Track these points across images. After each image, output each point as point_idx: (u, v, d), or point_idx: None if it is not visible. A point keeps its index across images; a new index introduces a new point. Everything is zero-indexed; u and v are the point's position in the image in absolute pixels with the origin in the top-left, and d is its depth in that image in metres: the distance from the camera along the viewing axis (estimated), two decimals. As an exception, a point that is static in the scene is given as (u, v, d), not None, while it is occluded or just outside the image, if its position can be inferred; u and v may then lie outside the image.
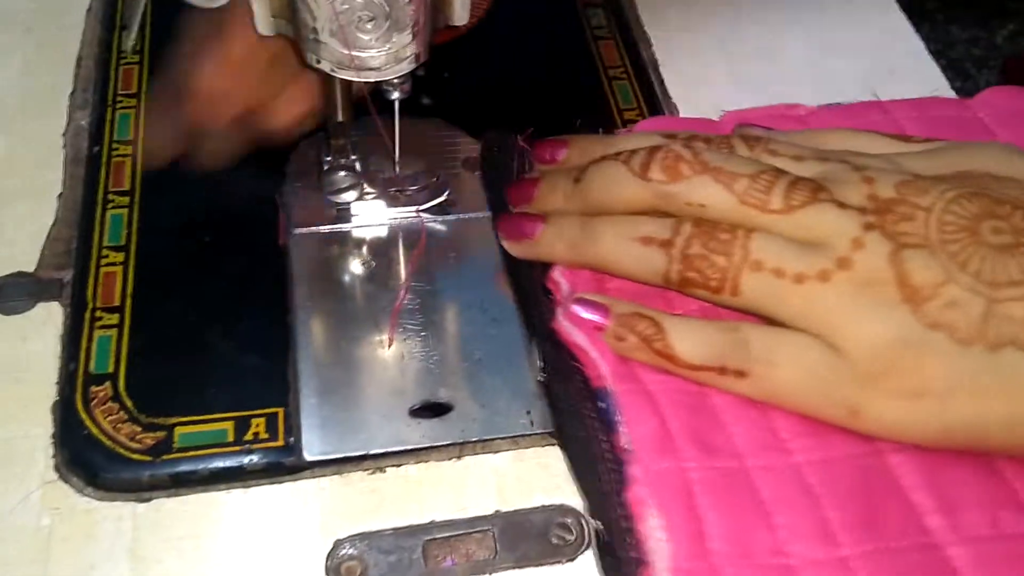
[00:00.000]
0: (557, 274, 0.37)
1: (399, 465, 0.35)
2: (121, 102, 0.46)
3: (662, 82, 0.48)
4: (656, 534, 0.31)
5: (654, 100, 0.47)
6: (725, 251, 0.33)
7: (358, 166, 0.39)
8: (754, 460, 0.33)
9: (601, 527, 0.32)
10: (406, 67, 0.35)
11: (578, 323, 0.35)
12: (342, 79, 0.36)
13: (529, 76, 0.49)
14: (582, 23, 0.51)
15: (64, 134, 0.45)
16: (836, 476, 0.32)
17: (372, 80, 0.35)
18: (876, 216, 0.32)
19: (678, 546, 0.30)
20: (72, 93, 0.47)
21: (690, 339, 0.33)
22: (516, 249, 0.38)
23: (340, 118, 0.38)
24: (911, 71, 0.49)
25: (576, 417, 0.34)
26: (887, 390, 0.31)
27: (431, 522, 0.34)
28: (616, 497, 0.32)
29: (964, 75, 1.43)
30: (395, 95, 0.37)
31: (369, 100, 0.38)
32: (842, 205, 0.33)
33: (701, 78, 0.48)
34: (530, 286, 0.38)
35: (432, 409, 0.36)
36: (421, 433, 0.35)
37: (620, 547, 0.31)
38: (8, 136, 0.45)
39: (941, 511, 0.32)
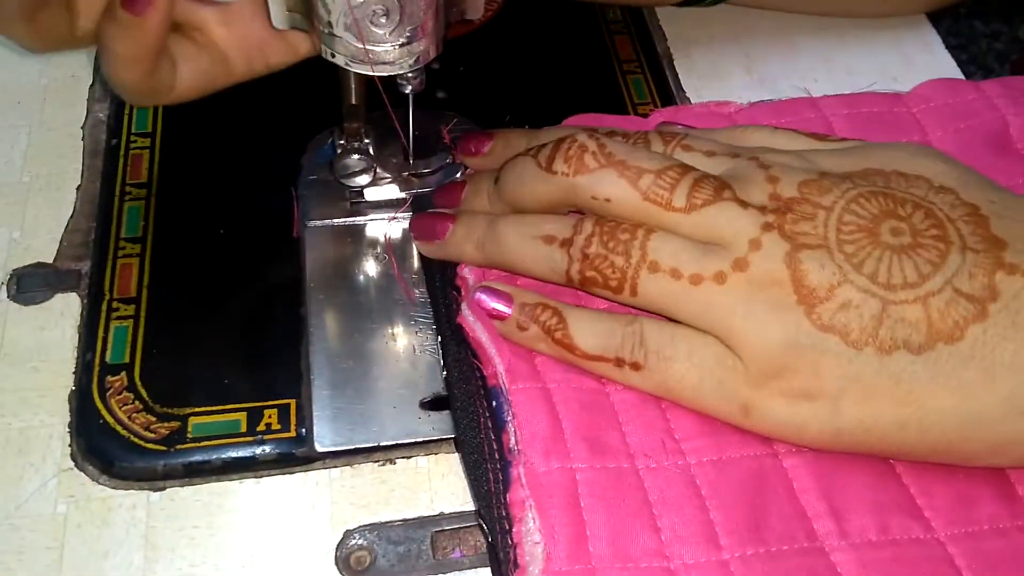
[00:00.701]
0: (466, 271, 0.37)
1: (409, 457, 0.36)
2: (139, 95, 0.46)
3: (676, 76, 0.48)
4: (532, 537, 0.30)
5: (668, 94, 0.47)
6: (624, 251, 0.33)
7: (371, 150, 0.39)
8: (645, 461, 0.33)
9: (486, 529, 0.32)
10: (420, 61, 0.35)
11: (480, 316, 0.35)
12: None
13: (543, 70, 0.49)
14: (597, 17, 0.51)
15: (83, 126, 0.45)
16: (727, 478, 0.32)
17: (386, 74, 0.35)
18: (776, 216, 0.32)
19: (555, 549, 0.30)
20: (91, 85, 0.47)
21: (589, 330, 0.34)
22: (427, 249, 0.38)
23: (353, 101, 0.38)
24: (928, 65, 0.49)
25: (469, 416, 0.34)
26: (779, 390, 0.31)
27: (440, 514, 0.34)
28: (499, 499, 0.31)
29: (986, 69, 1.41)
30: (409, 89, 0.37)
31: (383, 93, 0.38)
32: (744, 204, 0.32)
33: (716, 72, 0.48)
34: (440, 282, 0.38)
35: (442, 402, 0.36)
36: (431, 425, 0.36)
37: (501, 548, 0.31)
38: (29, 128, 0.45)
39: (830, 515, 0.31)
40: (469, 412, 0.34)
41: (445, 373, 0.36)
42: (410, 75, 0.37)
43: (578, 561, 0.30)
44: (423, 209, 0.40)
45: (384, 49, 0.34)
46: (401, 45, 0.34)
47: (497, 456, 0.32)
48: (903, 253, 0.30)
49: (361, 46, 0.34)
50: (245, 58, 0.38)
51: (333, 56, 0.35)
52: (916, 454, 0.32)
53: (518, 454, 0.32)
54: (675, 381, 0.33)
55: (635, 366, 0.33)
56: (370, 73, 0.35)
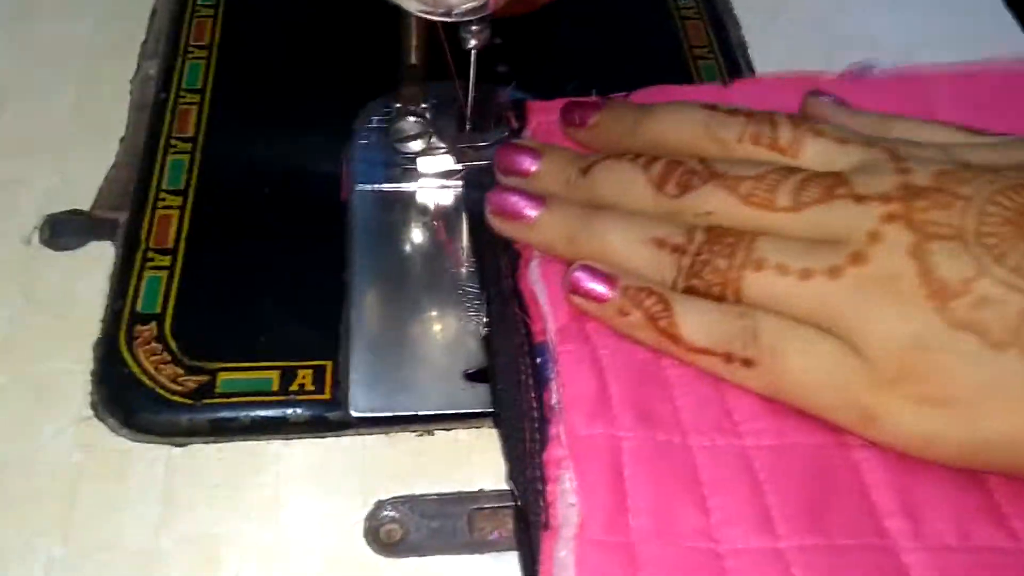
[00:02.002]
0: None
1: (449, 429, 0.33)
2: (192, 52, 0.45)
3: (750, 64, 0.46)
4: (567, 498, 0.28)
5: (741, 81, 0.45)
6: (728, 253, 0.30)
7: (428, 115, 0.37)
8: (698, 438, 0.30)
9: (515, 490, 0.29)
10: (488, 7, 0.33)
11: (547, 276, 0.32)
12: (417, 19, 0.34)
13: (610, 52, 0.47)
14: (668, 2, 0.49)
15: (132, 80, 0.44)
16: (787, 464, 0.29)
17: (449, 19, 0.33)
18: (902, 204, 0.29)
19: (591, 515, 0.27)
20: (144, 42, 0.46)
21: (698, 320, 0.30)
22: (505, 228, 0.35)
23: (413, 60, 0.36)
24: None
25: (510, 371, 0.31)
26: (906, 395, 0.28)
27: (479, 491, 0.32)
28: (534, 458, 0.29)
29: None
30: (472, 43, 0.35)
31: (446, 47, 0.36)
32: (861, 199, 0.29)
33: (793, 62, 0.46)
34: (490, 237, 0.35)
35: (487, 374, 0.34)
36: (475, 397, 0.33)
37: (531, 511, 0.28)
38: (77, 81, 0.44)
39: (904, 514, 0.28)
40: (509, 369, 0.31)
41: (487, 328, 0.33)
42: (475, 27, 0.35)
43: (615, 532, 0.27)
44: (472, 183, 0.38)
45: (449, -10, 0.33)
46: (468, -12, 0.32)
47: (536, 414, 0.30)
48: None
49: (426, -13, 0.32)
50: None
51: (396, -2, 0.33)
52: None
53: (559, 412, 0.29)
54: (791, 381, 0.29)
55: (747, 362, 0.30)
56: (432, 17, 0.33)
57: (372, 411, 0.33)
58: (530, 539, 0.28)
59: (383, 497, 0.31)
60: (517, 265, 0.34)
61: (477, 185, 0.37)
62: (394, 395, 0.33)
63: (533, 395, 0.30)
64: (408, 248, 0.38)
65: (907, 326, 0.28)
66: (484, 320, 0.34)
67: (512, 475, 0.30)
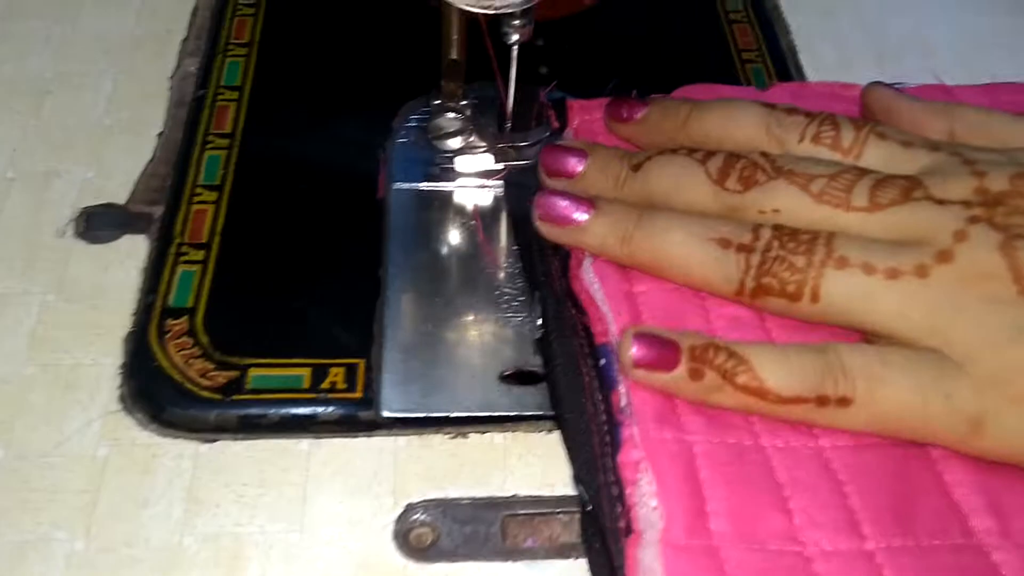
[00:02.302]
0: None
1: (484, 432, 0.32)
2: (232, 50, 0.44)
3: (800, 68, 0.45)
4: (648, 501, 0.26)
5: (791, 85, 0.43)
6: (806, 251, 0.29)
7: (468, 112, 0.36)
8: (772, 439, 0.28)
9: (585, 494, 0.28)
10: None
11: (601, 273, 0.31)
12: (460, 13, 0.33)
13: (655, 55, 0.46)
14: (716, 6, 0.48)
15: (171, 77, 0.44)
16: (866, 464, 0.28)
17: (491, 13, 0.32)
18: (984, 209, 0.28)
19: (673, 518, 0.26)
20: (184, 40, 0.45)
21: (779, 367, 0.28)
22: (555, 233, 0.33)
23: (455, 55, 0.35)
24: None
25: (572, 374, 0.30)
26: (1012, 396, 0.26)
27: (513, 496, 0.31)
28: (606, 460, 0.27)
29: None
30: (514, 38, 0.35)
31: (488, 42, 0.35)
32: (941, 202, 0.28)
33: (844, 67, 0.45)
34: (538, 238, 0.34)
35: (525, 377, 0.33)
36: (511, 400, 0.32)
37: (606, 516, 0.27)
38: (116, 76, 0.44)
39: (990, 512, 0.27)
40: (570, 371, 0.30)
41: (542, 330, 0.32)
42: (517, 22, 0.34)
43: (698, 536, 0.26)
44: (515, 183, 0.37)
45: (493, -17, 0.32)
46: (511, -21, 0.32)
47: (604, 417, 0.28)
48: None
49: (469, -21, 0.32)
50: None
51: (438, -11, 0.32)
52: None
53: (630, 415, 0.28)
54: (894, 408, 0.27)
55: (843, 402, 0.27)
56: (474, 10, 0.32)
57: (404, 411, 0.32)
58: (606, 545, 0.27)
59: (414, 500, 0.30)
60: (568, 265, 0.33)
61: (519, 186, 0.36)
62: (427, 396, 0.32)
63: (600, 397, 0.29)
64: (444, 248, 0.37)
65: (1002, 322, 0.27)
66: (538, 323, 0.33)
67: (581, 478, 0.28)
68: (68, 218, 0.38)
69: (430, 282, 0.35)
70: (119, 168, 0.40)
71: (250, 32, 0.45)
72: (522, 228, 0.35)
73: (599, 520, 0.27)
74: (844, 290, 0.28)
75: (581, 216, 0.32)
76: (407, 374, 0.33)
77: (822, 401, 0.28)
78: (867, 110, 0.35)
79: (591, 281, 0.31)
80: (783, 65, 0.45)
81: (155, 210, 0.38)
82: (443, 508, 0.30)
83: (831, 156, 0.31)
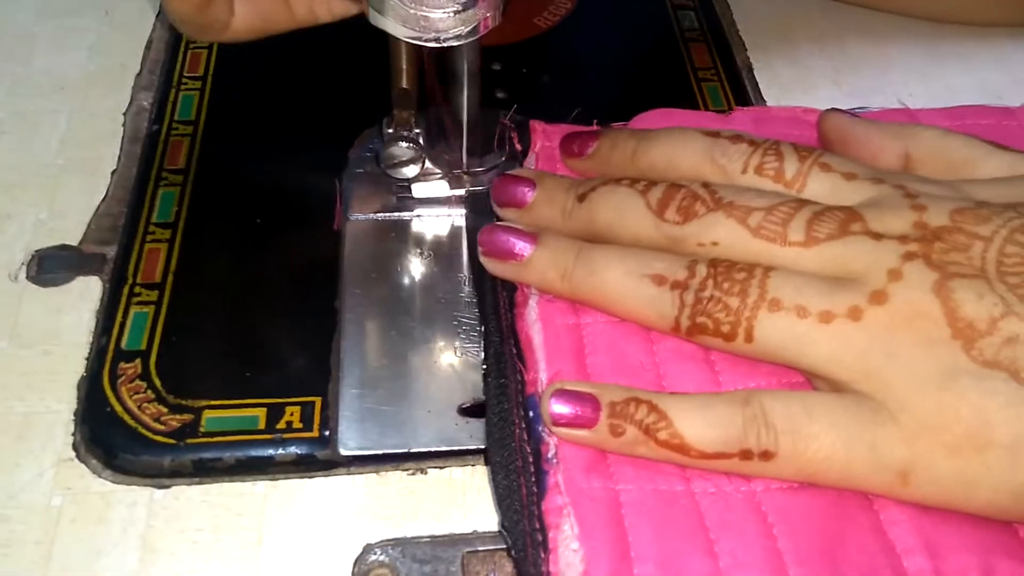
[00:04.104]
0: None
1: (443, 467, 0.32)
2: (186, 84, 0.44)
3: (756, 86, 0.45)
4: (571, 544, 0.26)
5: (746, 103, 0.43)
6: (740, 291, 0.28)
7: (421, 141, 0.36)
8: (703, 484, 0.28)
9: (511, 542, 0.27)
10: (477, 31, 0.32)
11: (545, 319, 0.31)
12: (408, 43, 0.33)
13: (612, 75, 0.46)
14: (672, 25, 0.48)
15: (125, 113, 0.43)
16: (799, 505, 0.28)
17: (436, 46, 0.32)
18: (920, 244, 0.28)
19: (595, 562, 0.26)
20: (139, 74, 0.45)
21: (700, 421, 0.27)
22: (498, 268, 0.33)
23: (404, 85, 0.35)
24: (1037, 84, 0.45)
25: (504, 420, 0.30)
26: (941, 444, 0.26)
27: (473, 532, 0.30)
28: (532, 508, 0.27)
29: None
30: (464, 68, 0.34)
31: (432, 71, 0.35)
32: (878, 236, 0.28)
33: (800, 83, 0.45)
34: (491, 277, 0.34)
35: (483, 409, 0.32)
36: (469, 433, 0.32)
37: (530, 563, 0.26)
38: (70, 113, 0.43)
39: (925, 552, 0.26)
40: (504, 417, 0.30)
41: (484, 368, 0.32)
42: (465, 51, 0.34)
43: None
44: (475, 210, 0.37)
45: (438, 15, 0.31)
46: (456, 11, 0.31)
47: (533, 468, 0.28)
48: None
49: (413, 11, 0.31)
50: (307, 2, 0.35)
51: (382, 21, 0.32)
52: None
53: (556, 464, 0.28)
54: (820, 461, 0.27)
55: (766, 455, 0.27)
56: (421, 43, 0.32)
57: (362, 449, 0.32)
58: None
59: (373, 540, 0.30)
60: (516, 301, 0.33)
61: (481, 213, 0.36)
62: (385, 432, 0.32)
63: (528, 450, 0.29)
64: (400, 279, 0.36)
65: (935, 366, 0.26)
66: (482, 357, 0.33)
67: (506, 526, 0.28)
68: (20, 261, 0.37)
69: (387, 315, 0.35)
70: (72, 207, 0.39)
71: (204, 65, 0.45)
72: (476, 257, 0.34)
73: (523, 567, 0.27)
74: (777, 332, 0.28)
75: (523, 249, 0.32)
76: (364, 411, 0.32)
77: (746, 455, 0.27)
78: (823, 138, 0.35)
79: (533, 321, 0.31)
80: (739, 83, 0.44)
81: (109, 250, 0.38)
82: (402, 547, 0.30)
83: (774, 187, 0.31)
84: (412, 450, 0.32)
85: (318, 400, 0.33)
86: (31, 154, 0.41)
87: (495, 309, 0.33)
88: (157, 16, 0.48)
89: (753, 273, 0.29)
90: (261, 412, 0.32)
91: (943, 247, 0.27)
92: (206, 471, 0.31)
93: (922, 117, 0.39)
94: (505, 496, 0.28)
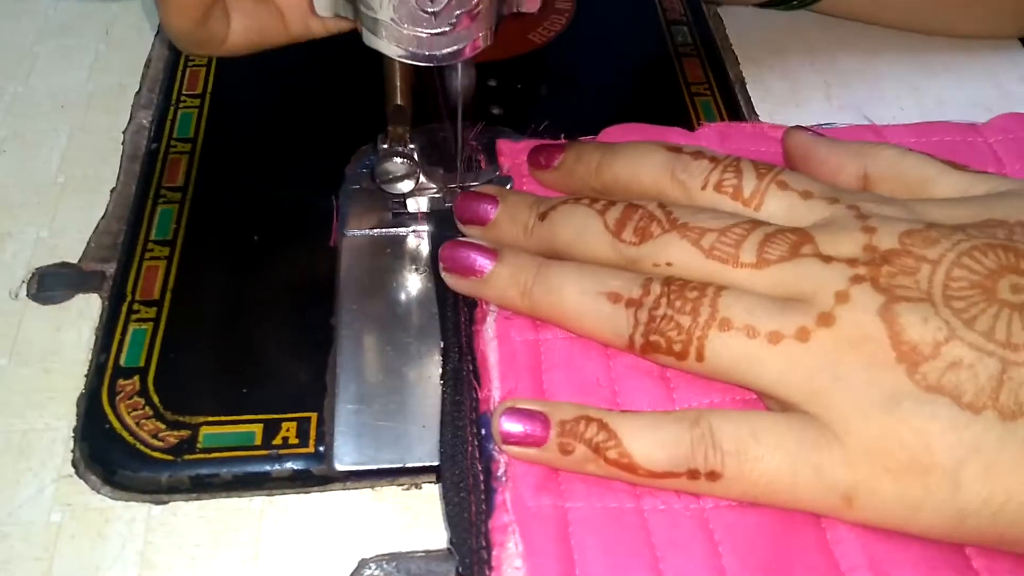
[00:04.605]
0: None
1: (438, 482, 0.32)
2: (185, 102, 0.45)
3: (749, 100, 0.45)
4: (513, 562, 0.26)
5: (740, 118, 0.44)
6: (692, 310, 0.29)
7: (415, 156, 0.36)
8: (652, 502, 0.28)
9: (458, 559, 0.28)
10: (470, 51, 0.33)
11: (502, 336, 0.31)
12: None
13: (606, 90, 0.46)
14: (666, 40, 0.48)
15: (124, 131, 0.44)
16: (746, 523, 0.28)
17: (430, 64, 0.33)
18: (868, 268, 0.28)
19: None
20: (138, 92, 0.46)
21: (649, 441, 0.28)
22: (459, 284, 0.33)
23: (399, 101, 0.36)
24: (1025, 97, 0.45)
25: (457, 437, 0.30)
26: (884, 466, 0.26)
27: (468, 546, 0.31)
28: (480, 525, 0.28)
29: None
30: (457, 84, 0.35)
31: (436, 87, 0.35)
32: (828, 259, 0.28)
33: (792, 97, 0.45)
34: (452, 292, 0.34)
35: (478, 424, 0.33)
36: (464, 449, 0.32)
37: None
38: (70, 131, 0.44)
39: (871, 570, 0.27)
40: (457, 433, 0.30)
41: (441, 384, 0.32)
42: (458, 69, 0.34)
43: None
44: (440, 227, 0.37)
45: (431, 36, 0.32)
46: (450, 32, 0.32)
47: (483, 486, 0.28)
48: None
49: (408, 32, 0.32)
50: (302, 17, 0.36)
51: (378, 44, 0.32)
52: None
53: (505, 483, 0.28)
54: (765, 483, 0.27)
55: (713, 475, 0.27)
56: (416, 63, 0.33)
57: (358, 464, 0.32)
58: None
59: (367, 555, 0.30)
60: (475, 318, 0.33)
61: (448, 227, 0.37)
62: (381, 447, 0.32)
63: (480, 467, 0.29)
64: (395, 295, 0.37)
65: (879, 389, 0.26)
66: (439, 374, 0.33)
67: (454, 543, 0.28)
68: (21, 279, 0.38)
69: (382, 330, 0.36)
70: (72, 225, 0.40)
71: (202, 84, 0.46)
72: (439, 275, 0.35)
73: None
74: (727, 352, 0.28)
75: (483, 265, 0.32)
76: (360, 426, 0.33)
77: (693, 475, 0.27)
78: (787, 155, 0.36)
79: (490, 339, 0.32)
80: (731, 98, 0.45)
81: (108, 267, 0.38)
82: (397, 562, 0.30)
83: (732, 206, 0.31)
84: (407, 465, 0.32)
85: (314, 416, 0.33)
86: (31, 173, 0.42)
87: (455, 326, 0.33)
88: (156, 35, 0.49)
89: (705, 292, 0.29)
90: (258, 428, 0.33)
91: (891, 270, 0.28)
92: (203, 487, 0.32)
93: (888, 134, 0.39)
94: (455, 513, 0.28)
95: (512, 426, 0.29)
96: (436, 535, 0.31)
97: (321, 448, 0.32)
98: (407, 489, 0.32)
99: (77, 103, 0.45)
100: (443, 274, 0.33)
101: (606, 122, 0.41)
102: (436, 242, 0.36)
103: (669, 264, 0.30)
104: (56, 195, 0.41)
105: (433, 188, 0.39)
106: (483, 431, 0.30)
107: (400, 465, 0.32)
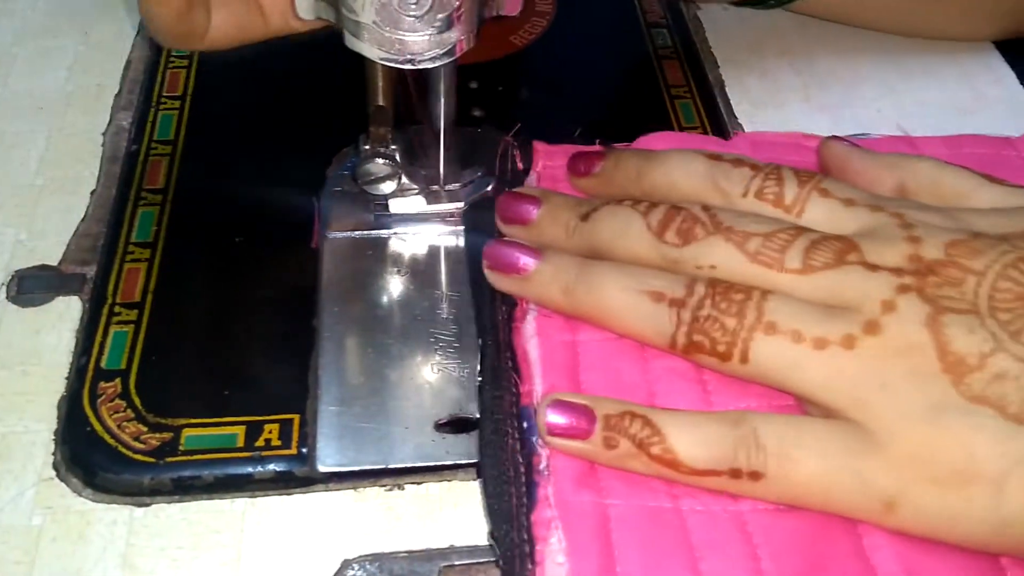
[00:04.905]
0: None
1: (420, 483, 0.32)
2: (165, 103, 0.45)
3: (728, 102, 0.45)
4: (556, 558, 0.27)
5: (718, 119, 0.44)
6: (738, 312, 0.29)
7: (397, 157, 0.36)
8: (691, 503, 0.29)
9: (499, 551, 0.28)
10: (452, 53, 0.33)
11: (543, 333, 0.32)
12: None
13: (587, 92, 0.46)
14: (646, 42, 0.49)
15: (104, 133, 0.44)
16: (784, 527, 0.28)
17: (414, 67, 0.33)
18: (915, 278, 0.28)
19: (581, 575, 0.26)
20: (117, 94, 0.46)
21: (692, 439, 0.28)
22: (502, 283, 0.34)
23: (380, 102, 0.36)
24: (1001, 99, 0.45)
25: (497, 431, 0.30)
26: (927, 475, 0.26)
27: (450, 547, 0.31)
28: (521, 519, 0.28)
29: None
30: (439, 87, 0.35)
31: (412, 90, 0.36)
32: (873, 267, 0.29)
33: (770, 99, 0.46)
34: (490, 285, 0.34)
35: (460, 424, 0.33)
36: (446, 449, 0.32)
37: (518, 574, 0.27)
38: (49, 133, 0.44)
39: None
40: (497, 428, 0.30)
41: (479, 380, 0.32)
42: (441, 72, 0.34)
43: None
44: (475, 227, 0.37)
45: (413, 39, 0.32)
46: (432, 35, 0.32)
47: (524, 479, 0.29)
48: None
49: (390, 35, 0.32)
50: (282, 12, 0.36)
51: (359, 46, 0.32)
52: None
53: (547, 476, 0.28)
54: (806, 486, 0.27)
55: (755, 476, 0.28)
56: (398, 65, 0.33)
57: (340, 466, 0.32)
58: None
59: (351, 556, 0.30)
60: (514, 315, 0.33)
61: (479, 228, 0.37)
62: (363, 448, 0.32)
63: (520, 460, 0.29)
64: (377, 296, 0.37)
65: (924, 399, 0.27)
66: (478, 370, 0.33)
67: (495, 535, 0.28)
68: (0, 282, 0.37)
69: (364, 332, 0.36)
70: (52, 228, 0.40)
71: (183, 85, 0.45)
72: (477, 273, 0.35)
73: None
74: (772, 356, 0.28)
75: (527, 264, 0.33)
76: (342, 428, 0.33)
77: (735, 474, 0.28)
78: (823, 166, 0.36)
79: (530, 336, 0.32)
80: (711, 99, 0.45)
81: (88, 270, 0.38)
82: (379, 562, 0.30)
83: (773, 212, 0.32)
84: (390, 466, 0.32)
85: (296, 417, 0.33)
86: (10, 175, 0.42)
87: (493, 323, 0.33)
88: (136, 36, 0.48)
89: (751, 295, 0.29)
90: (240, 430, 0.33)
91: (936, 281, 0.28)
92: (185, 489, 0.32)
93: (922, 145, 0.39)
94: (495, 505, 0.29)
95: (557, 418, 0.29)
96: (419, 536, 0.31)
97: (304, 450, 0.32)
98: (390, 490, 0.32)
99: (56, 104, 0.45)
100: (486, 272, 0.34)
101: (587, 124, 0.41)
102: (472, 241, 0.36)
103: (713, 267, 0.30)
104: (35, 197, 0.41)
105: (415, 189, 0.39)
106: (525, 424, 0.30)
107: (382, 466, 0.32)
